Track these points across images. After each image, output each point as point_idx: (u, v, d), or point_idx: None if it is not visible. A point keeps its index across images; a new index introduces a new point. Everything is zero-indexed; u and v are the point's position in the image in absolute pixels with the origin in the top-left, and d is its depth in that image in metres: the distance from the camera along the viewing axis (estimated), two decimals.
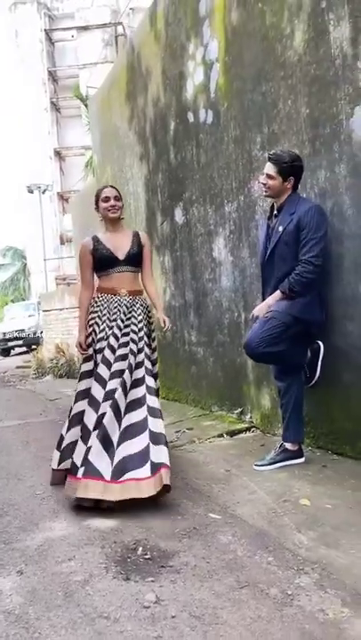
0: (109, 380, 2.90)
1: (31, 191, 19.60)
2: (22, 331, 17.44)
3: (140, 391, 2.92)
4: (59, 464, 3.03)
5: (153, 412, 2.85)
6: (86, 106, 14.06)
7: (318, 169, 3.14)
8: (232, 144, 4.03)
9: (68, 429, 3.03)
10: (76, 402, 3.04)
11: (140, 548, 2.20)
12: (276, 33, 3.43)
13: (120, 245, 3.13)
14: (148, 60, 5.51)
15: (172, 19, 4.85)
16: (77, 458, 2.80)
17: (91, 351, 3.08)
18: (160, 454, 2.67)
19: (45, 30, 26.74)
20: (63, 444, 3.02)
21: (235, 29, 3.89)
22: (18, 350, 18.56)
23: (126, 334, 3.05)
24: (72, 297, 10.25)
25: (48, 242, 22.72)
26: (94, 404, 2.90)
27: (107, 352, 2.98)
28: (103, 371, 2.95)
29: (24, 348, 17.92)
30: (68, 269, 22.16)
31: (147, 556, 2.13)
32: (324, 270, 3.06)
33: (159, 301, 3.41)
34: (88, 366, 3.08)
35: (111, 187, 3.30)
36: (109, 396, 2.85)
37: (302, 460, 3.08)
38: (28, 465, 3.64)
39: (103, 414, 2.79)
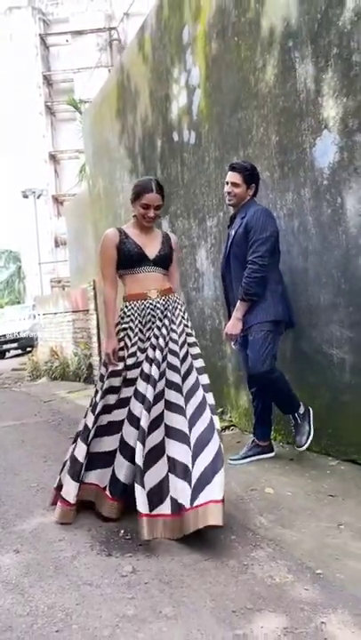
0: (153, 403, 2.55)
1: (26, 196, 19.88)
2: (17, 333, 17.72)
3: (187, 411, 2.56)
4: (78, 493, 2.62)
5: (207, 436, 2.48)
6: (80, 113, 14.40)
7: (286, 191, 3.47)
8: (212, 164, 4.36)
9: (87, 453, 2.66)
10: (96, 421, 2.69)
11: (123, 531, 2.50)
12: (250, 65, 3.75)
13: (150, 244, 2.76)
14: (136, 79, 5.83)
15: (158, 44, 5.18)
16: (122, 476, 2.57)
17: (121, 365, 2.68)
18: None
19: (40, 35, 27.05)
20: (82, 471, 2.65)
21: (214, 58, 4.22)
22: (13, 353, 18.84)
23: (167, 344, 2.67)
24: (66, 301, 10.55)
25: (43, 244, 23.03)
26: (135, 421, 2.55)
27: (145, 366, 2.61)
28: (144, 388, 2.57)
29: (19, 351, 18.21)
30: (62, 272, 22.45)
31: (127, 537, 2.44)
32: (292, 282, 3.40)
33: None
34: (116, 382, 2.69)
35: (157, 188, 2.74)
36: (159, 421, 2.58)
37: (272, 454, 3.40)
38: (24, 461, 3.95)
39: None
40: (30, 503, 3.00)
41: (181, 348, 2.68)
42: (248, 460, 3.35)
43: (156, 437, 2.53)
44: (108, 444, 2.68)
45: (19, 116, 26.05)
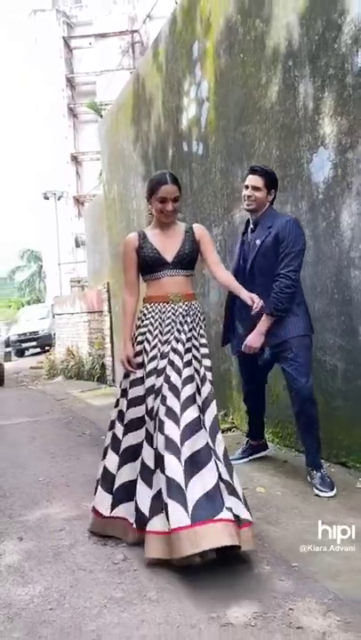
0: (182, 411, 2.33)
1: (47, 198, 20.30)
2: (36, 332, 18.12)
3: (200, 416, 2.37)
4: (112, 509, 2.47)
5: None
6: (101, 116, 14.68)
7: (285, 204, 3.62)
8: (218, 175, 4.53)
9: (121, 466, 2.49)
10: (126, 433, 2.52)
11: None
12: (254, 82, 3.91)
13: (170, 245, 2.59)
14: (151, 89, 6.02)
15: (171, 57, 5.36)
16: (144, 506, 2.30)
17: (140, 373, 2.53)
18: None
19: (64, 37, 27.50)
20: (116, 485, 2.49)
21: (222, 73, 4.38)
22: (32, 351, 19.25)
23: (188, 350, 2.49)
24: (82, 301, 10.81)
25: (64, 244, 23.45)
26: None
27: (168, 369, 2.42)
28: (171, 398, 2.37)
29: (38, 349, 18.61)
30: (83, 272, 22.85)
31: None
32: None
33: (236, 283, 2.75)
34: (138, 391, 2.52)
35: (172, 180, 2.56)
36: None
37: (266, 451, 3.55)
38: (33, 457, 4.16)
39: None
40: (36, 496, 3.21)
41: (201, 359, 2.52)
42: (244, 460, 3.50)
43: (199, 442, 2.29)
44: (131, 471, 2.47)
45: (42, 118, 26.57)
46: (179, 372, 2.42)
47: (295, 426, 3.22)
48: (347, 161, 3.09)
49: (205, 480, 2.18)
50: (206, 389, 2.43)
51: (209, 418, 2.37)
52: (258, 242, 3.04)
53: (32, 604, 1.99)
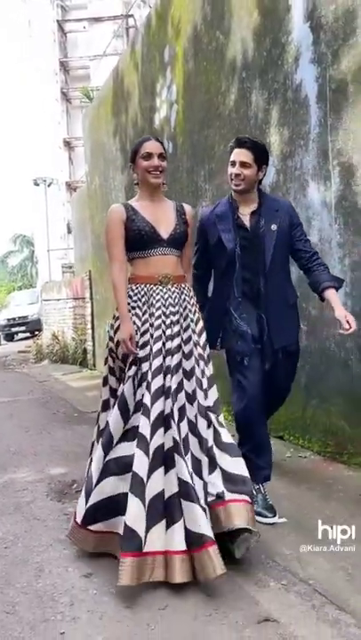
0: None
1: (37, 184, 20.47)
2: (25, 317, 18.44)
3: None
4: (91, 523, 2.16)
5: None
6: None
7: None
8: (185, 173, 4.87)
9: (103, 474, 2.17)
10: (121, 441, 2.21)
11: (75, 485, 3.08)
12: (215, 89, 4.24)
13: (163, 220, 2.34)
14: (128, 86, 6.32)
15: (146, 58, 5.66)
16: (137, 524, 1.98)
17: (141, 353, 2.24)
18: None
19: (58, 21, 27.42)
20: (96, 497, 2.16)
21: (189, 79, 4.71)
22: (21, 336, 19.57)
23: (187, 341, 2.28)
24: (67, 288, 11.14)
25: (56, 230, 23.64)
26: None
27: (163, 359, 2.21)
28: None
29: (27, 334, 18.94)
30: (73, 258, 23.11)
31: (78, 489, 3.00)
32: None
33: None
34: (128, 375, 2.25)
35: (156, 139, 2.39)
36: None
37: None
38: (9, 431, 4.55)
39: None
40: (6, 463, 3.60)
41: (203, 346, 2.35)
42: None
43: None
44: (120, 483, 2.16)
45: (35, 103, 26.57)
46: (183, 370, 2.25)
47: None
48: (287, 168, 3.44)
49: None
50: (209, 372, 2.31)
51: (211, 400, 2.28)
52: (274, 227, 2.55)
53: None
